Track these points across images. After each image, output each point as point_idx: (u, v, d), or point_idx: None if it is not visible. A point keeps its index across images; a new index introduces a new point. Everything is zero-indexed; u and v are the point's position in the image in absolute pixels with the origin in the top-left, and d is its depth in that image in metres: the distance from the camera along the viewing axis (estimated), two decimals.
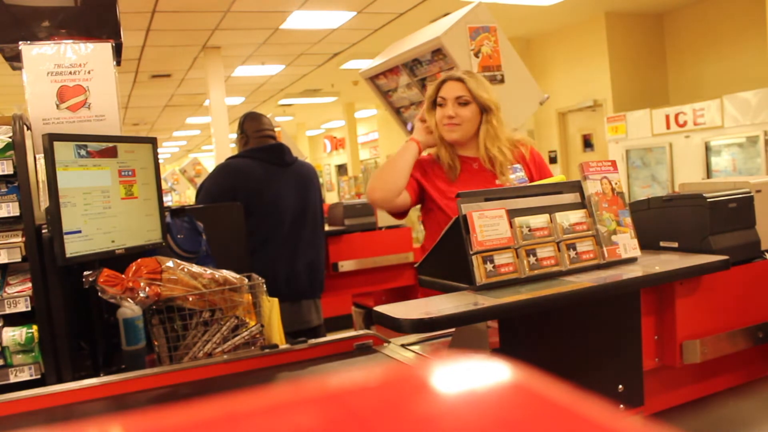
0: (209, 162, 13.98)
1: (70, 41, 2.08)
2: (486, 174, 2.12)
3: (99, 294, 1.56)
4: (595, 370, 1.39)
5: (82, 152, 1.79)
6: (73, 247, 1.72)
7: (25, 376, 1.79)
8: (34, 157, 1.93)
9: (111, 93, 2.11)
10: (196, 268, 1.65)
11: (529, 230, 1.38)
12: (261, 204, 2.68)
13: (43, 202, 1.94)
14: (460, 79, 2.12)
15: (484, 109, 2.11)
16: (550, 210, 1.43)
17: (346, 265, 3.56)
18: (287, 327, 1.86)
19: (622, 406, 1.39)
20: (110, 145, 1.89)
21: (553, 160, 8.67)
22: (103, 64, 2.10)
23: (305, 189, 2.85)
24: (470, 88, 2.09)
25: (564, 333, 1.38)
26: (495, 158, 2.10)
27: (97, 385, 1.44)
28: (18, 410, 1.36)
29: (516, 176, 2.07)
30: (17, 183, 1.82)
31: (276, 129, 3.02)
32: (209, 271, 1.66)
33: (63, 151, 1.73)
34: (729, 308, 1.55)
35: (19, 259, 1.82)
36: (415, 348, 1.64)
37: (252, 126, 2.87)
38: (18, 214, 1.81)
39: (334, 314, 3.55)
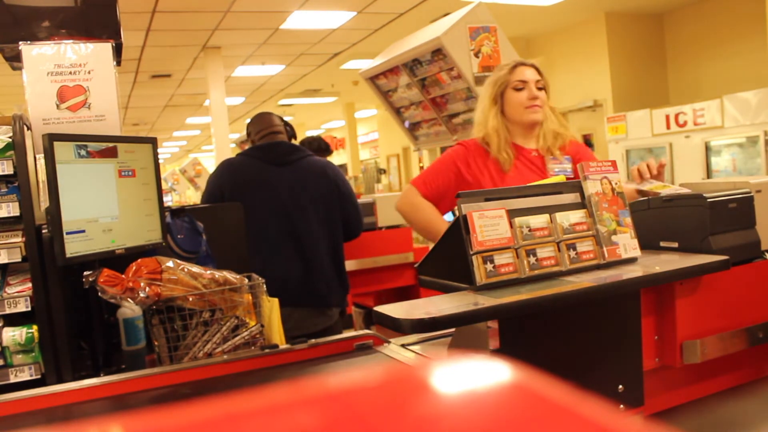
0: (209, 162, 13.99)
1: (70, 41, 2.08)
2: (538, 163, 2.15)
3: (99, 294, 1.57)
4: (595, 370, 1.39)
5: (82, 152, 1.79)
6: (73, 247, 1.72)
7: (25, 376, 1.79)
8: (34, 157, 1.93)
9: (111, 93, 2.11)
10: (196, 268, 1.65)
11: (529, 230, 1.38)
12: (248, 202, 2.59)
13: (43, 202, 1.94)
14: (533, 66, 2.18)
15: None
16: (550, 210, 1.43)
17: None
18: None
19: (622, 406, 1.39)
20: (110, 145, 1.89)
21: None
22: (103, 64, 2.10)
23: (306, 188, 2.71)
24: (542, 76, 2.17)
25: (564, 333, 1.38)
26: (552, 146, 2.17)
27: (97, 385, 1.44)
28: (18, 410, 1.36)
29: (561, 167, 2.12)
30: (17, 183, 1.82)
31: None
32: (209, 271, 1.66)
33: (63, 151, 1.73)
34: (729, 308, 1.55)
35: (19, 259, 1.82)
36: (415, 348, 1.64)
37: (254, 128, 2.85)
38: (18, 214, 1.81)
39: None
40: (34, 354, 1.79)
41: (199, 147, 20.01)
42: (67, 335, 1.80)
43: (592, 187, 1.50)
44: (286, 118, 2.98)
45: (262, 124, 2.84)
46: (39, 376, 1.79)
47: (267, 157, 2.72)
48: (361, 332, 1.68)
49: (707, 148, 6.30)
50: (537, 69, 2.18)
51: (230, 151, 8.27)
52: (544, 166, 2.14)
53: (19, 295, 1.80)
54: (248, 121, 2.93)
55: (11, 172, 1.82)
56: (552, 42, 8.85)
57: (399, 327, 1.19)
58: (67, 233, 1.71)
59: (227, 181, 2.72)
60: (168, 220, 2.13)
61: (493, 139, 2.14)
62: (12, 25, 2.11)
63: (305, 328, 2.56)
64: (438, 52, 3.54)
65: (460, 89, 3.64)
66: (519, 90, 2.14)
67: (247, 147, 2.91)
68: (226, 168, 2.80)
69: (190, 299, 1.59)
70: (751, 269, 1.57)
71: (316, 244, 2.71)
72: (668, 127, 6.64)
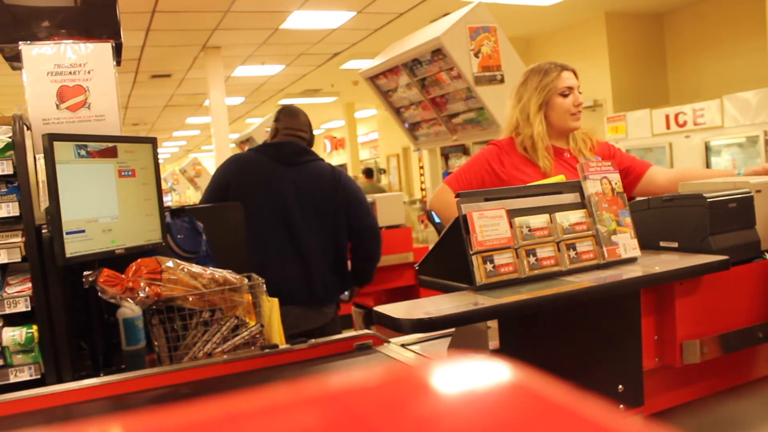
0: (209, 162, 13.99)
1: (70, 41, 2.08)
2: (573, 163, 2.17)
3: (99, 294, 1.57)
4: (595, 370, 1.39)
5: (82, 152, 1.79)
6: (73, 247, 1.72)
7: (25, 376, 1.79)
8: (34, 157, 1.93)
9: (111, 93, 2.11)
10: (196, 268, 1.65)
11: (529, 230, 1.37)
12: (253, 198, 2.61)
13: (43, 202, 1.94)
14: (573, 70, 2.21)
15: None
16: (550, 210, 1.43)
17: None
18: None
19: (622, 406, 1.39)
20: (110, 145, 1.89)
21: None
22: (103, 64, 2.11)
23: (310, 190, 2.72)
24: (578, 79, 2.20)
25: (564, 333, 1.38)
26: (583, 147, 2.20)
27: (97, 385, 1.44)
28: (18, 410, 1.36)
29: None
30: (17, 183, 1.82)
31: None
32: (209, 271, 1.66)
33: (63, 151, 1.73)
34: (729, 308, 1.54)
35: (19, 259, 1.82)
36: (415, 348, 1.64)
37: (285, 122, 2.83)
38: (18, 214, 1.81)
39: None
40: (34, 354, 1.79)
41: (199, 147, 20.01)
42: (67, 335, 1.80)
43: (591, 187, 1.50)
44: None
45: (293, 123, 2.82)
46: (39, 376, 1.79)
47: (276, 155, 2.73)
48: (361, 332, 1.69)
49: (707, 148, 6.30)
50: (575, 73, 2.21)
51: (230, 151, 8.26)
52: (575, 164, 2.17)
53: (19, 295, 1.80)
54: (278, 111, 2.90)
55: (11, 172, 1.82)
56: (552, 42, 8.85)
57: (399, 327, 1.19)
58: (67, 233, 1.71)
59: (234, 176, 2.72)
60: (168, 220, 2.13)
61: (539, 145, 2.15)
62: (12, 25, 2.11)
63: (302, 325, 2.57)
64: (438, 52, 3.54)
65: (460, 89, 3.64)
66: (565, 96, 2.15)
67: (246, 147, 2.91)
68: (234, 162, 2.81)
69: (190, 299, 1.59)
70: (751, 269, 1.57)
71: (316, 244, 2.72)
72: (668, 127, 6.64)
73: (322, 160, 2.86)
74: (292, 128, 2.81)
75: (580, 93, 2.19)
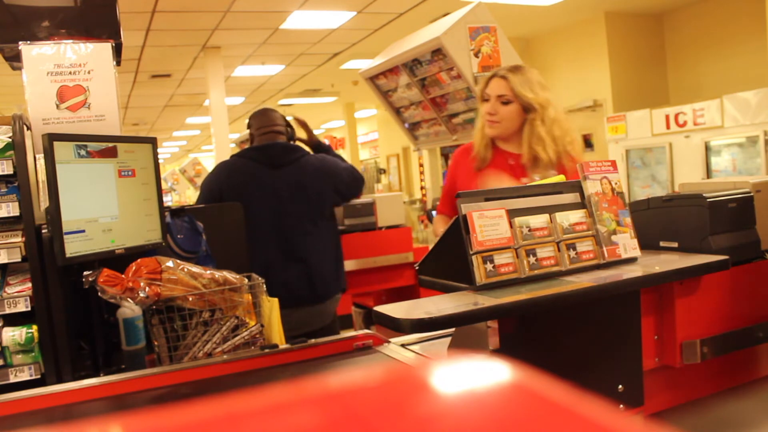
0: (209, 162, 13.98)
1: (70, 41, 2.08)
2: (517, 171, 2.14)
3: (99, 294, 1.56)
4: (595, 370, 1.39)
5: (82, 152, 1.79)
6: (73, 247, 1.72)
7: (25, 376, 1.79)
8: (34, 157, 1.93)
9: (111, 93, 2.11)
10: (196, 268, 1.65)
11: (529, 230, 1.37)
12: (247, 203, 2.60)
13: (43, 202, 1.94)
14: (504, 77, 2.15)
15: (527, 109, 2.12)
16: (550, 210, 1.43)
17: (346, 265, 3.56)
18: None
19: (622, 406, 1.39)
20: (110, 145, 1.89)
21: None
22: (103, 64, 2.10)
23: (302, 189, 2.71)
24: (512, 87, 2.11)
25: (564, 333, 1.38)
26: (538, 157, 2.10)
27: (97, 385, 1.44)
28: (18, 410, 1.36)
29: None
30: (17, 183, 1.82)
31: None
32: (209, 271, 1.66)
33: (63, 151, 1.73)
34: (729, 308, 1.54)
35: (19, 259, 1.82)
36: (415, 348, 1.64)
37: (256, 123, 2.82)
38: (18, 214, 1.81)
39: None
40: (33, 354, 1.79)
41: (199, 147, 20.00)
42: (67, 335, 1.80)
43: (591, 187, 1.50)
44: (286, 118, 2.96)
45: (263, 121, 2.81)
46: (39, 376, 1.79)
47: (262, 159, 2.71)
48: (361, 332, 1.69)
49: (707, 148, 6.30)
50: (508, 81, 2.11)
51: (230, 151, 8.26)
52: (522, 174, 2.13)
53: (19, 295, 1.80)
54: (249, 117, 2.90)
55: (11, 172, 1.82)
56: (552, 42, 8.84)
57: (399, 327, 1.19)
58: (67, 233, 1.71)
59: (226, 182, 2.71)
60: (168, 220, 2.13)
61: (475, 140, 2.24)
62: (12, 25, 2.11)
63: (307, 326, 2.57)
64: (438, 52, 3.54)
65: (459, 89, 3.64)
66: (486, 101, 2.18)
67: (246, 146, 2.90)
68: (223, 170, 2.78)
69: (190, 299, 1.59)
70: (751, 269, 1.57)
71: (314, 244, 2.72)
72: (668, 127, 6.63)
73: (308, 153, 2.84)
74: (266, 126, 2.79)
75: (504, 102, 2.11)
